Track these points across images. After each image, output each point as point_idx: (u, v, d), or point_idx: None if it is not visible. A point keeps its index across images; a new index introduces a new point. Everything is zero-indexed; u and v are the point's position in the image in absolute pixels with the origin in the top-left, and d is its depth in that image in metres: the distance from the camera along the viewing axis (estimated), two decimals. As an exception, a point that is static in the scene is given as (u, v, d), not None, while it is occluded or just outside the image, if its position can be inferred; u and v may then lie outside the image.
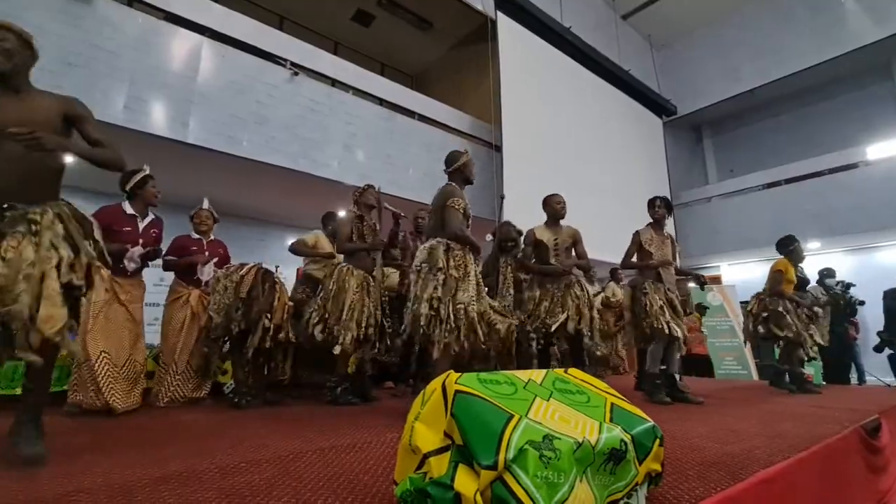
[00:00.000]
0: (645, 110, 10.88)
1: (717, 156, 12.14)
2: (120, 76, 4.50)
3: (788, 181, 9.65)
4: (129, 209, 2.97)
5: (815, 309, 4.23)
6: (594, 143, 8.99)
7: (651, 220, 3.67)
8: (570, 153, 8.31)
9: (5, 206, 1.59)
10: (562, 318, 3.23)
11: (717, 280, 10.02)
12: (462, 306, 2.50)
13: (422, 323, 2.48)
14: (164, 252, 3.27)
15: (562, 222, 3.61)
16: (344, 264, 3.22)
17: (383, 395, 3.68)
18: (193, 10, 5.20)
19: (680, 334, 3.25)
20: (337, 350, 2.95)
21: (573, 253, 3.55)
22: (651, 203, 3.67)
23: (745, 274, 9.69)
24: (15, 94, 1.68)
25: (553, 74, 8.57)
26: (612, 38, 10.50)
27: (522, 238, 3.54)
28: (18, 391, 2.91)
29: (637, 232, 3.57)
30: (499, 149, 7.30)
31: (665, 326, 3.20)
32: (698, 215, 10.74)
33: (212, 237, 3.57)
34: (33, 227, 1.59)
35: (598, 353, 4.94)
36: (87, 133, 1.79)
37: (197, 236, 3.49)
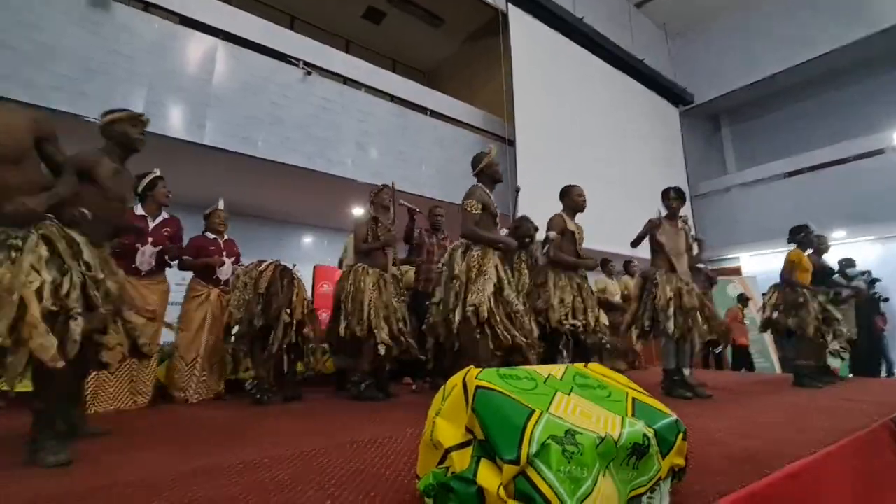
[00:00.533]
0: (661, 100, 10.67)
1: (735, 145, 11.85)
2: (139, 81, 4.59)
3: (811, 169, 9.37)
4: (139, 210, 3.07)
5: (844, 295, 4.12)
6: (609, 135, 8.87)
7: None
8: (584, 145, 8.20)
9: None
10: (591, 315, 3.20)
11: (737, 272, 9.82)
12: (472, 308, 2.52)
13: (439, 328, 2.59)
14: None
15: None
16: (359, 265, 3.30)
17: (401, 390, 3.71)
18: (206, 12, 5.27)
19: (673, 330, 3.11)
20: (382, 350, 3.05)
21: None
22: (665, 194, 3.60)
23: (766, 265, 9.47)
24: None
25: (566, 66, 8.46)
26: (625, 27, 10.31)
27: (549, 225, 3.45)
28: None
29: (650, 220, 3.50)
30: (512, 143, 7.25)
31: (669, 324, 3.09)
32: (717, 206, 10.52)
33: (225, 236, 3.64)
34: (13, 254, 1.54)
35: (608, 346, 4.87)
36: (51, 155, 1.79)
37: (212, 236, 3.56)
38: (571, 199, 3.47)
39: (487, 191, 2.91)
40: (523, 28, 7.82)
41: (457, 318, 2.53)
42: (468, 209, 2.74)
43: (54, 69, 4.09)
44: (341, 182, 5.92)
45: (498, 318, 2.56)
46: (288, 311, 3.09)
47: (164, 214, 3.19)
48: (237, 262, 3.59)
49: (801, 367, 3.94)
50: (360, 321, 3.07)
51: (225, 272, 3.47)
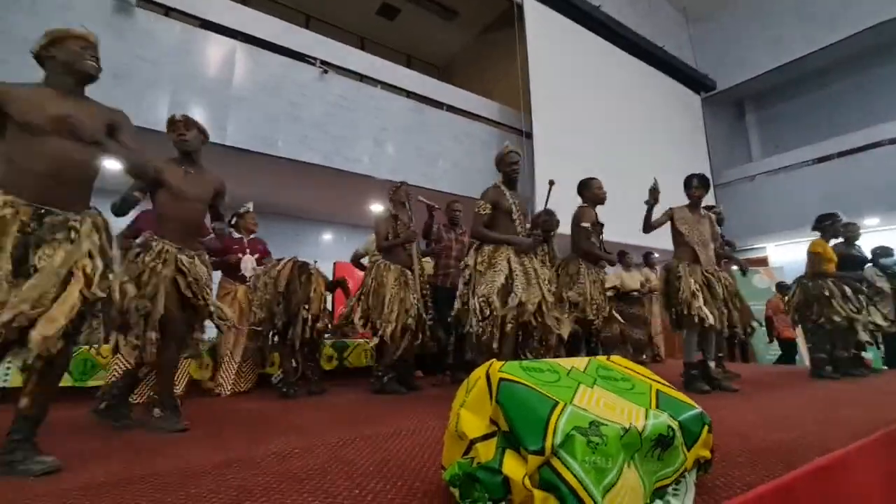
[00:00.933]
0: (682, 87, 10.41)
1: (761, 131, 11.49)
2: (163, 84, 4.72)
3: (841, 154, 9.02)
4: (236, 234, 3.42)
5: (878, 287, 4.00)
6: (628, 125, 8.70)
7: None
8: (603, 136, 8.08)
9: (42, 210, 1.54)
10: (605, 309, 3.23)
11: (763, 262, 9.57)
12: (483, 298, 2.60)
13: (462, 319, 2.70)
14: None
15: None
16: (381, 261, 3.36)
17: (423, 383, 3.75)
18: (225, 14, 5.36)
19: (712, 320, 3.08)
20: (387, 340, 3.13)
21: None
22: (688, 182, 3.53)
23: (793, 255, 9.19)
24: (67, 100, 1.65)
25: (583, 56, 8.32)
26: (644, 13, 10.07)
27: (579, 217, 3.44)
28: (90, 383, 3.16)
29: (671, 208, 3.44)
30: (529, 135, 7.19)
31: (695, 314, 3.06)
32: (742, 194, 10.23)
33: (252, 235, 3.75)
34: (72, 235, 1.57)
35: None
36: (122, 142, 1.81)
37: (238, 236, 3.67)
38: (591, 192, 3.46)
39: (505, 188, 2.92)
40: (539, 18, 7.72)
41: (470, 307, 2.65)
42: (477, 210, 2.84)
43: (82, 75, 4.23)
44: (359, 179, 5.98)
45: (502, 310, 2.61)
46: (306, 306, 3.16)
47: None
48: (262, 258, 3.69)
49: (818, 360, 3.88)
50: (380, 316, 3.14)
51: (248, 269, 3.57)
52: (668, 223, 3.42)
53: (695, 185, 3.48)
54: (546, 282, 2.79)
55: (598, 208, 3.54)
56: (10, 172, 1.54)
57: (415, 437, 1.86)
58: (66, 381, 3.23)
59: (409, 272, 3.37)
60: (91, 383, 3.16)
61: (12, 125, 1.55)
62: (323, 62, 5.86)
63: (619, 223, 7.56)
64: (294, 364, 3.28)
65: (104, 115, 1.74)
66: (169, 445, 1.78)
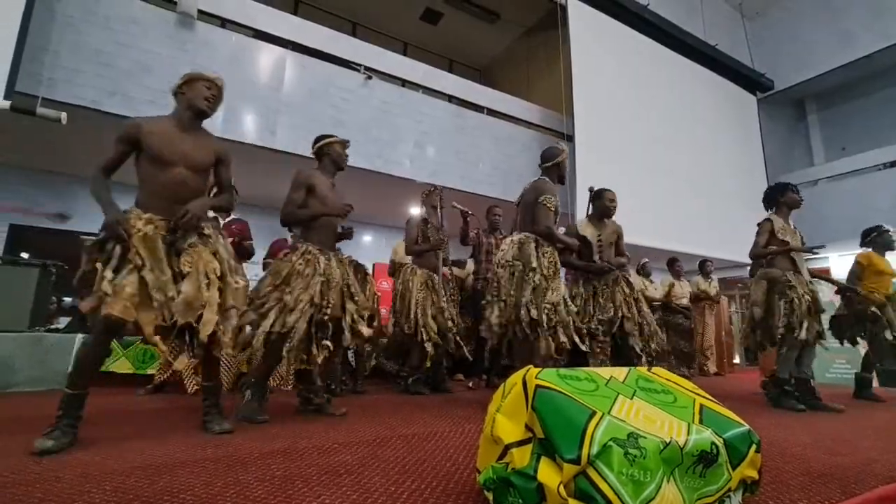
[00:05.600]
0: (736, 87, 9.90)
1: (823, 133, 10.73)
2: (218, 92, 5.00)
3: (916, 158, 8.31)
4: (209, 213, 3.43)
5: None
6: (677, 128, 8.38)
7: (775, 209, 3.37)
8: (650, 140, 7.82)
9: (174, 223, 1.84)
10: (610, 314, 3.05)
11: (825, 272, 8.92)
12: (552, 306, 2.52)
13: (524, 325, 2.52)
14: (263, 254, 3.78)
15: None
16: (409, 265, 3.45)
17: (457, 387, 3.77)
18: (276, 24, 5.62)
19: (811, 338, 2.96)
20: (430, 348, 3.17)
21: (613, 250, 3.27)
22: (784, 188, 3.35)
23: (860, 266, 8.51)
24: (187, 132, 1.97)
25: (629, 57, 8.09)
26: (696, 11, 9.67)
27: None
28: (149, 371, 3.39)
29: (769, 219, 3.26)
30: (570, 139, 7.07)
31: (803, 331, 2.91)
32: (798, 197, 9.60)
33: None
34: (203, 238, 1.90)
35: (659, 349, 4.56)
36: (220, 175, 2.11)
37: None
38: (602, 203, 3.24)
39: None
40: (583, 19, 7.58)
41: (533, 313, 2.49)
42: (547, 205, 2.69)
43: (148, 84, 4.56)
44: (400, 182, 6.08)
45: (565, 322, 2.56)
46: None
47: (233, 215, 3.60)
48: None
49: (862, 379, 3.71)
50: (407, 319, 3.20)
51: None
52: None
53: (793, 189, 3.33)
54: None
55: (650, 214, 3.43)
56: (144, 195, 1.88)
57: (450, 439, 1.88)
58: (128, 367, 3.52)
59: (435, 276, 3.41)
60: (150, 371, 3.39)
61: (144, 156, 1.87)
62: (367, 68, 6.01)
63: (665, 230, 7.31)
64: (347, 362, 3.39)
65: (214, 148, 2.05)
66: (216, 434, 1.89)
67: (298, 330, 2.18)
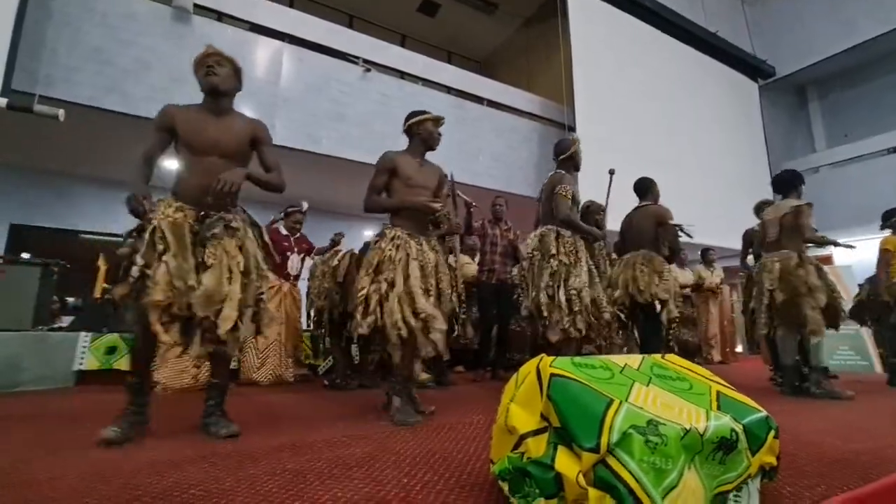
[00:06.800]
0: (737, 75, 9.82)
1: (825, 119, 10.66)
2: (216, 87, 4.95)
3: (920, 143, 8.25)
4: (282, 230, 3.65)
5: None
6: (679, 116, 8.31)
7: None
8: (652, 128, 7.76)
9: (202, 213, 1.80)
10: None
11: (827, 261, 8.88)
12: (575, 291, 2.53)
13: (543, 311, 2.54)
14: None
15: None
16: None
17: (459, 379, 3.76)
18: (273, 17, 5.56)
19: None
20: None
21: None
22: (801, 177, 3.43)
23: (863, 253, 8.48)
24: (216, 116, 1.89)
25: (630, 46, 8.01)
26: (696, -2, 9.57)
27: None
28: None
29: (810, 204, 3.24)
30: (572, 129, 7.02)
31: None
32: (804, 187, 9.56)
33: (298, 234, 3.88)
34: (231, 232, 1.83)
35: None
36: (263, 155, 2.00)
37: (285, 232, 3.81)
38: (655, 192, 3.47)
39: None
40: (583, 7, 7.49)
41: (558, 298, 2.52)
42: (563, 195, 2.72)
43: (147, 81, 4.52)
44: (401, 175, 6.04)
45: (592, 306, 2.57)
46: None
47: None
48: (307, 256, 3.82)
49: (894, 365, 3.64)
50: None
51: (293, 267, 3.71)
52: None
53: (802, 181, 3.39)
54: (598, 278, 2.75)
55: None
56: (179, 183, 1.86)
57: (459, 431, 1.86)
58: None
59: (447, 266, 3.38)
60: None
61: (180, 144, 1.85)
62: (365, 61, 5.96)
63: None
64: (350, 357, 3.37)
65: (248, 129, 1.96)
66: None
67: (403, 318, 2.00)
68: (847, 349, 6.76)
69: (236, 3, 5.38)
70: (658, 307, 3.06)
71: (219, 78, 1.89)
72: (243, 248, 1.84)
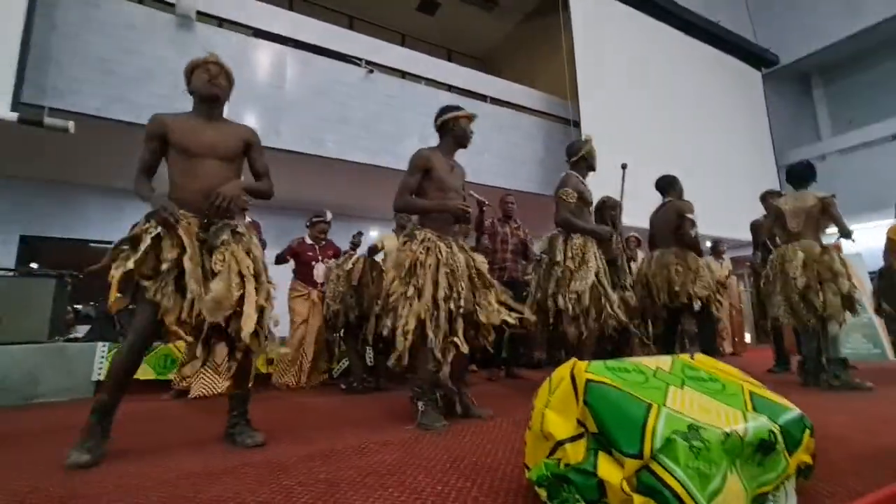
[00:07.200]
0: (740, 64, 9.75)
1: (830, 107, 10.57)
2: (221, 93, 4.96)
3: (927, 128, 8.18)
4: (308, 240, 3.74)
5: None
6: (682, 107, 8.27)
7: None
8: (656, 120, 7.72)
9: (206, 220, 1.80)
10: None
11: (836, 249, 8.84)
12: (575, 296, 2.54)
13: (551, 314, 2.61)
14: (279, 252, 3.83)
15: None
16: None
17: (474, 378, 3.75)
18: (273, 21, 5.55)
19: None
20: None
21: None
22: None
23: (872, 240, 8.43)
24: (209, 122, 1.89)
25: (632, 38, 7.96)
26: (697, -13, 9.50)
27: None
28: (169, 376, 3.40)
29: (833, 195, 3.29)
30: (576, 124, 7.00)
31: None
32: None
33: (323, 242, 3.94)
34: (238, 237, 1.83)
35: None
36: (254, 161, 2.01)
37: (310, 242, 3.85)
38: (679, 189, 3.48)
39: (582, 179, 2.88)
40: (584, 1, 7.45)
41: (559, 304, 2.56)
42: (563, 198, 2.75)
43: (151, 89, 4.52)
44: (406, 175, 6.04)
45: (594, 307, 2.58)
46: (378, 302, 3.24)
47: (247, 218, 3.59)
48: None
49: None
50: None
51: (320, 275, 3.73)
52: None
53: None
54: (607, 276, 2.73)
55: (657, 196, 3.43)
56: (175, 190, 1.81)
57: (484, 434, 1.87)
58: (148, 374, 3.53)
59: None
60: (170, 376, 3.40)
61: (173, 151, 1.81)
62: (368, 62, 5.95)
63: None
64: (364, 360, 3.38)
65: (242, 134, 1.96)
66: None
67: (438, 323, 2.02)
68: (860, 336, 6.72)
69: (236, 7, 5.38)
70: (697, 305, 3.02)
71: (221, 90, 1.92)
72: (251, 253, 1.85)
